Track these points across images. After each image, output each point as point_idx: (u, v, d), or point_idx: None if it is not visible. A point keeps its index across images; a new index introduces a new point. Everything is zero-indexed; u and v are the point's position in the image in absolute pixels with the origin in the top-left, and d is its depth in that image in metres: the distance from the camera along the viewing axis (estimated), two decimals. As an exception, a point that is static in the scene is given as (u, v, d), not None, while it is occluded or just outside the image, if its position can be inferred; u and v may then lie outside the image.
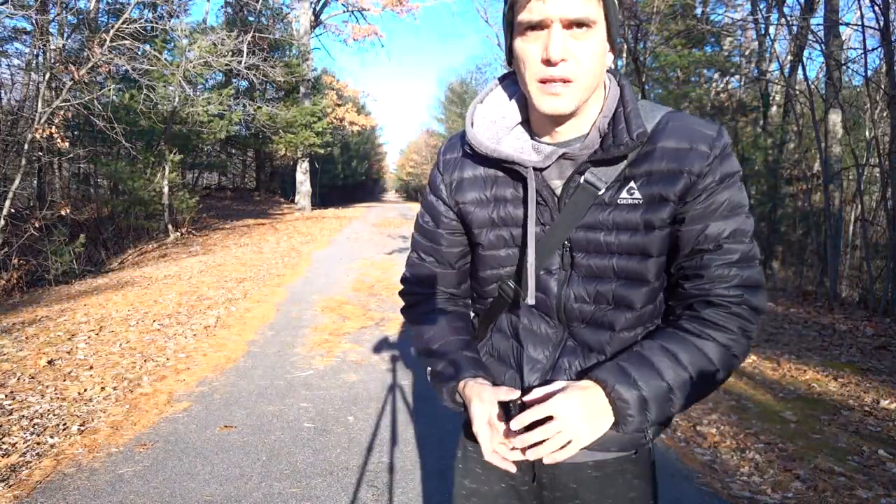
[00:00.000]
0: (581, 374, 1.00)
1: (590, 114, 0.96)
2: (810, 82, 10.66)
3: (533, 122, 1.01)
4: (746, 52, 16.19)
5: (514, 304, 1.07)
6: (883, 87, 8.80)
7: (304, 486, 2.72)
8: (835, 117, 9.38)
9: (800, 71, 12.64)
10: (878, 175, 11.22)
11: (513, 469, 0.89)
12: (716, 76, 16.99)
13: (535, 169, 0.96)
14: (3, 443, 3.08)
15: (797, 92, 12.36)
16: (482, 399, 0.93)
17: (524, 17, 0.86)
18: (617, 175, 0.94)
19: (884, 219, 9.01)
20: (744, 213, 0.94)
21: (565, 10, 0.83)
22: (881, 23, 7.31)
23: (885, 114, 10.52)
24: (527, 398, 0.89)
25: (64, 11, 11.49)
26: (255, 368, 4.49)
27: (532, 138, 1.01)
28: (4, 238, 9.09)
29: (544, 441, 0.84)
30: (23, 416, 3.44)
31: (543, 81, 0.87)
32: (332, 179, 32.80)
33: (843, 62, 9.36)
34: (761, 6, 14.02)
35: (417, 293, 1.17)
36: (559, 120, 0.94)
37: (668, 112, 0.98)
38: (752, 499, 2.71)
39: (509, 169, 0.99)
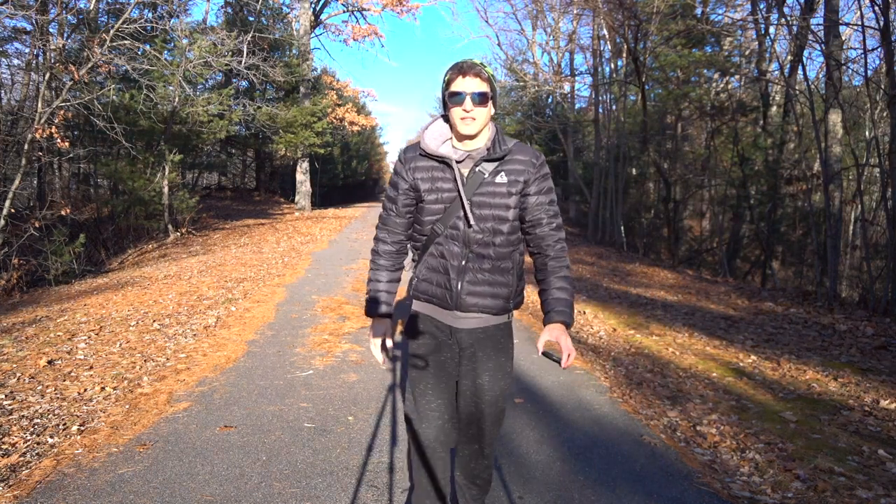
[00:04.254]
0: (478, 271, 1.93)
1: (482, 138, 1.94)
2: (810, 82, 10.66)
3: (455, 138, 1.96)
4: (746, 52, 16.17)
5: (440, 236, 1.96)
6: (883, 87, 8.80)
7: (304, 486, 2.72)
8: (835, 117, 9.37)
9: (800, 71, 12.63)
10: (877, 175, 11.22)
11: (385, 362, 2.06)
12: (716, 76, 16.98)
13: (456, 161, 1.92)
14: (3, 443, 3.08)
15: (797, 92, 12.35)
16: (377, 333, 2.05)
17: (454, 89, 1.85)
18: (493, 168, 1.91)
19: (884, 219, 9.00)
20: (553, 192, 2.00)
21: (473, 88, 1.83)
22: (881, 23, 7.30)
23: (885, 114, 10.52)
24: (546, 349, 1.85)
25: (64, 11, 11.47)
26: (255, 368, 4.49)
27: (454, 147, 1.97)
28: (4, 238, 9.08)
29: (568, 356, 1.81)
30: (23, 415, 3.44)
31: (462, 119, 1.86)
32: (332, 179, 32.79)
33: (843, 62, 9.35)
34: (761, 6, 14.01)
35: (381, 237, 2.08)
36: (468, 138, 1.92)
37: (515, 141, 1.97)
38: (752, 499, 2.71)
39: (443, 161, 1.93)
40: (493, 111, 1.90)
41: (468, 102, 1.81)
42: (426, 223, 1.97)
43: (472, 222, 1.88)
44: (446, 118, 1.98)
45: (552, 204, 1.97)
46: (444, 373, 2.02)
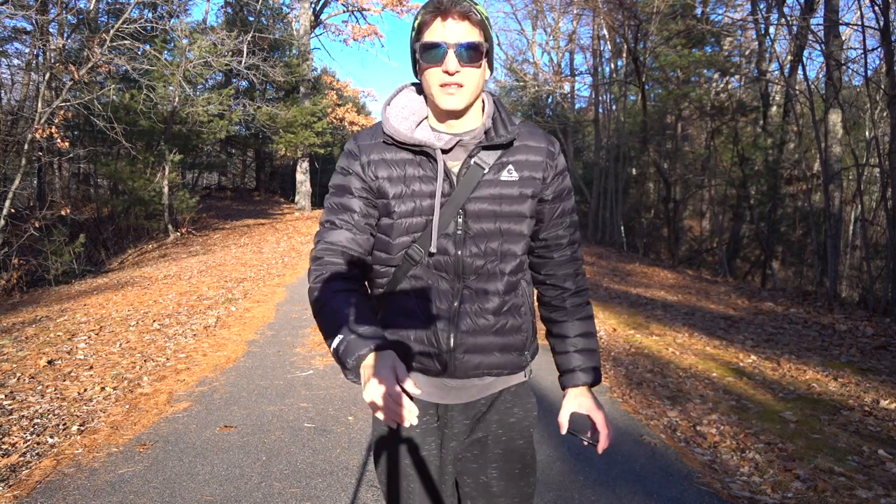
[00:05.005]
0: (479, 315, 1.30)
1: (475, 115, 1.30)
2: (810, 82, 10.66)
3: (434, 117, 1.31)
4: (746, 52, 16.18)
5: (416, 266, 1.30)
6: (883, 87, 8.80)
7: (304, 486, 2.72)
8: (835, 117, 9.37)
9: (800, 71, 12.64)
10: (877, 175, 11.22)
11: (415, 422, 1.02)
12: (716, 76, 16.98)
13: (442, 151, 1.26)
14: (3, 443, 3.08)
15: (797, 92, 12.36)
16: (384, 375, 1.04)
17: (429, 38, 1.20)
18: (495, 160, 1.28)
19: (884, 219, 9.00)
20: (573, 196, 1.42)
21: (458, 37, 1.18)
22: (881, 23, 7.31)
23: (884, 114, 10.52)
24: (573, 427, 1.37)
25: (64, 11, 11.48)
26: (255, 368, 4.49)
27: (433, 130, 1.31)
28: (5, 238, 9.08)
29: (605, 432, 1.33)
30: (23, 415, 3.44)
31: (443, 85, 1.20)
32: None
33: (843, 62, 9.36)
34: (761, 6, 14.01)
35: (327, 272, 1.26)
36: (454, 115, 1.26)
37: (521, 121, 1.36)
38: (751, 499, 2.71)
39: (420, 151, 1.26)
40: (488, 74, 1.28)
41: (451, 59, 1.17)
42: (396, 247, 1.29)
43: (468, 242, 1.28)
44: (419, 88, 1.34)
45: (572, 214, 1.40)
46: (428, 478, 1.37)
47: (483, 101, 1.33)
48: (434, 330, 1.29)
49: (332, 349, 1.14)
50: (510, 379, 1.38)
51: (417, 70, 1.27)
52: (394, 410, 1.00)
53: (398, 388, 0.99)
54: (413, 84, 1.38)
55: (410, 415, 0.99)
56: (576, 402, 1.39)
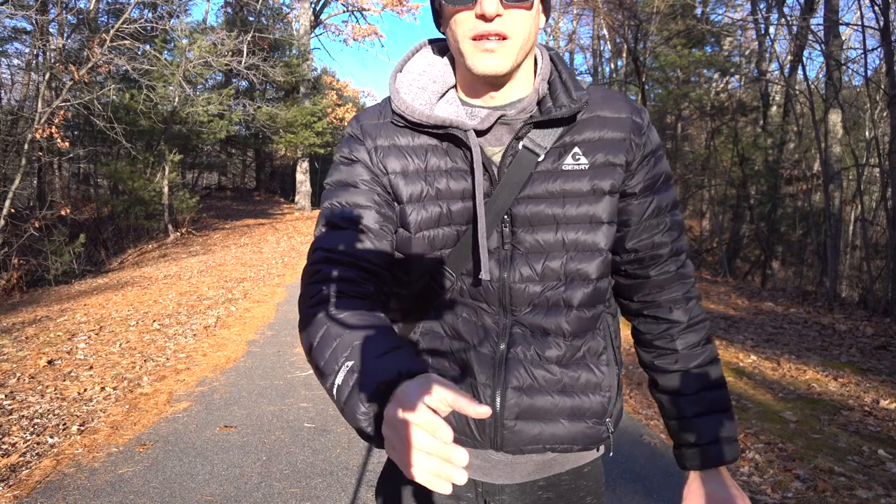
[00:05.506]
0: (538, 364, 0.91)
1: (525, 78, 0.91)
2: (810, 82, 10.67)
3: (465, 86, 0.94)
4: (746, 52, 16.19)
5: (446, 294, 0.94)
6: (883, 87, 8.81)
7: (304, 486, 2.72)
8: (835, 117, 9.38)
9: (800, 71, 12.65)
10: (877, 175, 11.22)
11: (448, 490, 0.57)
12: (716, 76, 16.98)
13: (476, 132, 0.89)
14: (3, 443, 3.08)
15: (797, 92, 12.37)
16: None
17: None
18: (555, 142, 0.90)
19: (884, 219, 9.01)
20: (674, 188, 0.99)
21: None
22: (881, 23, 7.31)
23: (884, 114, 10.52)
24: None
25: (64, 11, 11.49)
26: (255, 368, 4.49)
27: (462, 103, 0.94)
28: (4, 238, 9.08)
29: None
30: (23, 415, 3.44)
31: (478, 38, 0.82)
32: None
33: (842, 62, 9.36)
34: (761, 6, 14.02)
35: (332, 275, 0.83)
36: (494, 82, 0.88)
37: (591, 85, 0.97)
38: (751, 498, 2.71)
39: (445, 135, 0.90)
40: (542, 22, 0.91)
41: (489, 0, 0.79)
42: (417, 269, 0.93)
43: (518, 261, 0.91)
44: (442, 46, 1.00)
45: (673, 211, 0.98)
46: None
47: (536, 60, 0.94)
48: (472, 384, 0.92)
49: (332, 389, 0.69)
50: (582, 456, 1.02)
51: (439, 19, 0.89)
52: (433, 465, 0.55)
53: (444, 431, 0.55)
54: (433, 42, 1.00)
55: (457, 474, 0.55)
56: (702, 490, 0.97)
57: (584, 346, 0.94)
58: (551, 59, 0.94)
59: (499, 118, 0.89)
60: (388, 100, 0.95)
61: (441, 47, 0.99)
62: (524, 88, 0.91)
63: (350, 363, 0.69)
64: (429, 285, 0.94)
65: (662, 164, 0.96)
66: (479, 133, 0.90)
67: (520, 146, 0.90)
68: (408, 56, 0.98)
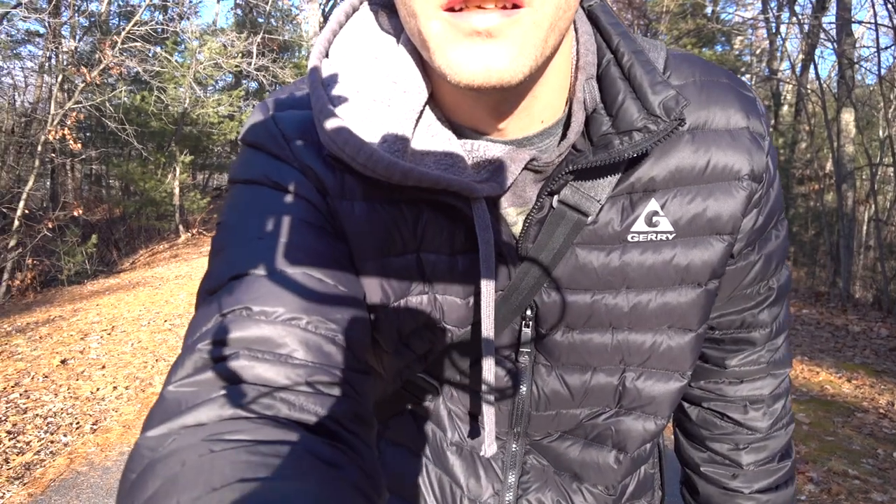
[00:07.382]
0: None
1: (558, 80, 0.48)
2: (822, 81, 10.57)
3: (448, 101, 0.50)
4: (757, 51, 16.08)
5: (430, 403, 0.61)
6: (897, 85, 8.71)
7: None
8: (847, 116, 9.28)
9: (811, 70, 12.54)
10: (891, 174, 11.10)
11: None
12: (726, 75, 16.90)
13: (489, 196, 0.49)
14: (18, 441, 3.11)
15: (809, 91, 12.26)
16: None
17: None
18: (616, 185, 0.50)
19: (898, 219, 8.91)
20: (784, 220, 0.60)
21: None
22: (894, 21, 7.23)
23: (899, 112, 10.41)
24: None
25: (76, 14, 11.62)
26: (266, 368, 4.51)
27: (458, 134, 0.50)
28: (19, 239, 9.19)
29: None
30: (37, 414, 3.48)
31: (457, 8, 0.39)
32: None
33: (855, 61, 9.27)
34: (772, 5, 13.90)
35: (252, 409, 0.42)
36: (499, 98, 0.46)
37: (671, 53, 0.53)
38: (764, 501, 2.68)
39: (444, 201, 0.48)
40: None
41: None
42: (389, 367, 0.57)
43: (546, 374, 0.57)
44: (393, 18, 0.52)
45: (781, 271, 0.62)
46: None
47: (574, 49, 0.50)
48: None
49: None
50: None
51: None
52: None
53: None
54: (380, 3, 0.54)
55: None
56: None
57: (632, 483, 0.65)
58: (598, 30, 0.51)
59: (528, 159, 0.49)
60: (308, 114, 0.50)
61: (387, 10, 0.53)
62: (556, 98, 0.49)
63: None
64: (404, 390, 0.61)
65: (777, 194, 0.56)
66: (492, 198, 0.50)
67: (554, 202, 0.51)
68: (335, 26, 0.52)
